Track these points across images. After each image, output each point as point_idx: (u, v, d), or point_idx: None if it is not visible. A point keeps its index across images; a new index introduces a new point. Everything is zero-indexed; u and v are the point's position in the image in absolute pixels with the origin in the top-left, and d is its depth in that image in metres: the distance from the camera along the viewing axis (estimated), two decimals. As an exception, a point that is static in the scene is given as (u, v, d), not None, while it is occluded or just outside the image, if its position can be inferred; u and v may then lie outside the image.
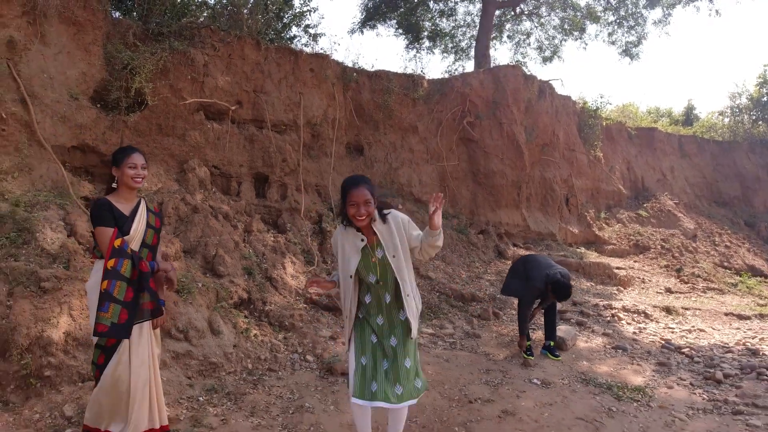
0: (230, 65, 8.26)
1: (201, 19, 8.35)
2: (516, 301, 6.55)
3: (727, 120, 24.65)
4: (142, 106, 7.26)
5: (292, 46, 9.53)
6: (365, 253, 3.00)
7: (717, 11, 16.08)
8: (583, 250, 13.26)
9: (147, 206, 3.11)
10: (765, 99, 22.82)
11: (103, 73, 7.12)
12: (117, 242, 2.81)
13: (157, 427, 3.02)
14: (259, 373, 4.57)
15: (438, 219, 2.84)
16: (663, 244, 15.12)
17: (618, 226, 15.70)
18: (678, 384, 5.64)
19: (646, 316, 8.87)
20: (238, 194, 7.89)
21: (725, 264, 15.49)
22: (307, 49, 9.59)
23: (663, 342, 7.37)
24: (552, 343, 6.00)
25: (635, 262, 14.02)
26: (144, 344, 2.93)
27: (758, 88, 22.97)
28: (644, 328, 8.11)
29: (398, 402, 2.88)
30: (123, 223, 2.92)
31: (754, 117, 23.33)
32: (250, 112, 8.40)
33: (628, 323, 8.33)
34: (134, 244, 2.94)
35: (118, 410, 2.85)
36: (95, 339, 2.86)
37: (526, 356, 5.73)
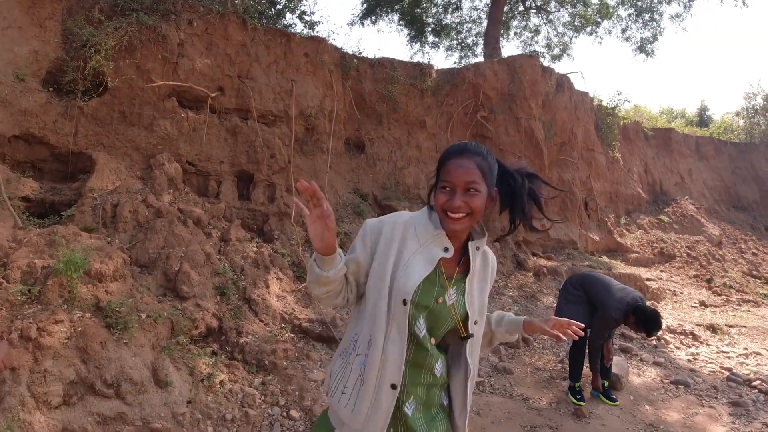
0: (211, 46, 7.04)
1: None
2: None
3: (742, 122, 23.71)
4: (102, 90, 6.07)
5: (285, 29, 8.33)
6: (434, 278, 1.69)
7: (744, 1, 14.73)
8: (606, 259, 12.03)
9: None
10: (781, 99, 21.98)
11: (59, 52, 6.02)
12: None
13: None
14: (225, 440, 3.31)
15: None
16: (689, 252, 14.06)
17: (639, 232, 14.56)
18: (765, 434, 4.44)
19: (695, 337, 7.65)
20: (217, 195, 6.65)
21: (754, 273, 14.55)
22: (301, 33, 8.39)
23: (725, 372, 6.17)
24: (606, 383, 4.76)
25: (662, 272, 12.88)
26: None
27: (774, 88, 22.08)
28: (697, 354, 6.90)
29: None
30: None
31: (769, 118, 22.46)
32: (233, 101, 7.18)
33: (677, 347, 7.13)
34: None
35: None
36: None
37: (576, 402, 4.48)
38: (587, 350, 4.72)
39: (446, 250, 1.69)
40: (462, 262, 1.75)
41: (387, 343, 1.63)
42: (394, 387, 1.62)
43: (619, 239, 13.32)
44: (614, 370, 5.02)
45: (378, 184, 9.18)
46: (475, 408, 4.27)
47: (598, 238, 12.65)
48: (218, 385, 3.64)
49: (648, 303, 9.44)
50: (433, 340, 1.71)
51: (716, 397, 5.25)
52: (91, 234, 4.43)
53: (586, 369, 4.90)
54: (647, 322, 4.34)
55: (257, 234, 6.57)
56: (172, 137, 6.45)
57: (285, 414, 3.66)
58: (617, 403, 4.68)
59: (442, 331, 1.73)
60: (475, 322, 1.73)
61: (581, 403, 4.50)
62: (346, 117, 9.00)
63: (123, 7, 6.46)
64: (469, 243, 1.74)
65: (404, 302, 1.61)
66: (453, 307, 1.69)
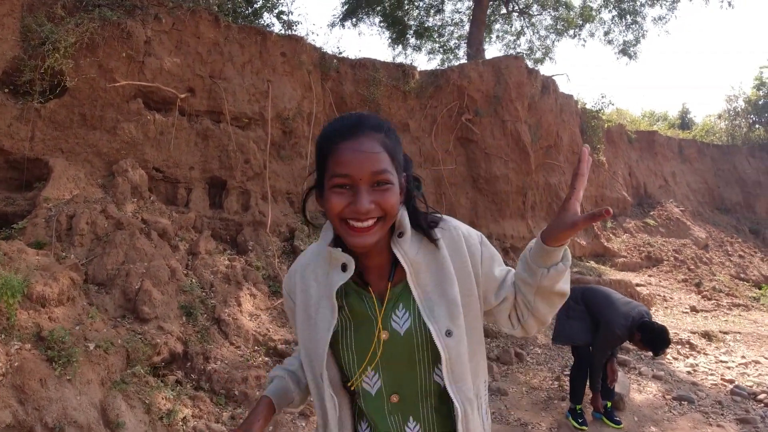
0: (180, 44, 6.61)
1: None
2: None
3: (724, 124, 23.86)
4: (60, 90, 5.61)
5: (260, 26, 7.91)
6: (359, 315, 1.26)
7: (730, 2, 14.64)
8: (594, 264, 11.78)
9: None
10: (762, 102, 22.18)
11: (16, 51, 5.59)
12: None
13: None
14: (186, 488, 2.88)
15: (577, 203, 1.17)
16: (676, 255, 13.96)
17: (626, 236, 14.40)
18: (777, 454, 4.14)
19: (692, 347, 7.41)
20: (186, 204, 6.19)
21: (742, 276, 14.58)
22: (278, 30, 7.99)
23: (727, 384, 5.90)
24: (609, 404, 4.40)
25: (650, 276, 12.71)
26: None
27: (755, 90, 22.25)
28: (696, 365, 6.65)
29: None
30: None
31: (751, 120, 22.64)
32: (204, 102, 6.74)
33: (675, 357, 6.89)
34: None
35: None
36: None
37: (578, 426, 4.13)
38: (590, 375, 4.35)
39: (344, 268, 1.22)
40: (395, 268, 1.25)
41: (324, 414, 1.29)
42: None
43: (606, 244, 13.11)
44: (616, 388, 4.67)
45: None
46: (470, 439, 3.89)
47: (585, 243, 12.40)
48: (180, 423, 3.19)
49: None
50: (395, 397, 1.26)
51: (722, 414, 4.95)
52: (41, 250, 3.96)
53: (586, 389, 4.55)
54: (654, 339, 4.00)
55: (230, 245, 6.12)
56: (138, 142, 5.98)
57: (256, 455, 3.23)
58: (621, 426, 4.32)
59: (408, 374, 1.25)
60: (449, 333, 1.20)
61: (584, 427, 4.14)
62: (326, 119, 8.57)
63: (87, 3, 6.01)
64: (393, 244, 1.24)
65: (321, 377, 1.24)
66: (410, 332, 1.22)
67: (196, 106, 6.66)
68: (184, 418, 3.26)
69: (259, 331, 4.53)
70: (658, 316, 9.43)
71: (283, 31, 8.36)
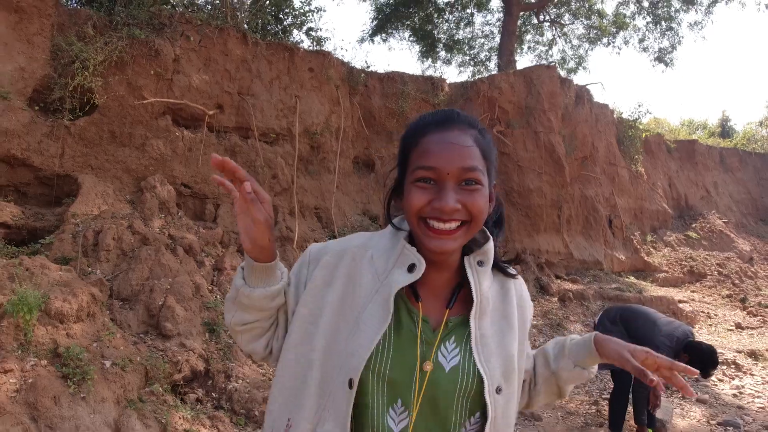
0: (209, 61, 6.67)
1: (173, 5, 6.83)
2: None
3: (765, 131, 23.00)
4: (90, 108, 5.71)
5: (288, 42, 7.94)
6: (406, 336, 1.04)
7: (766, 4, 14.13)
8: (633, 279, 11.34)
9: None
10: (803, 107, 21.34)
11: (47, 69, 5.73)
12: None
13: None
14: None
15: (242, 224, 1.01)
16: (720, 269, 13.35)
17: (667, 250, 13.85)
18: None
19: (737, 367, 7.01)
20: (214, 219, 6.19)
21: None
22: (305, 46, 8.01)
23: (778, 410, 5.50)
24: (650, 431, 4.13)
25: (693, 292, 12.17)
26: None
27: (797, 96, 21.44)
28: (742, 387, 6.27)
29: None
30: None
31: (794, 127, 21.79)
32: (232, 119, 6.78)
33: (720, 379, 6.51)
34: None
35: None
36: None
37: (619, 457, 3.88)
38: (634, 400, 4.10)
39: (411, 268, 1.04)
40: (457, 295, 1.09)
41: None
42: None
43: (646, 258, 12.63)
44: (658, 414, 4.38)
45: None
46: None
47: (624, 258, 11.98)
48: (197, 445, 3.11)
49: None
50: None
51: (774, 442, 4.60)
52: (66, 265, 3.97)
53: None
54: (704, 360, 3.75)
55: (257, 260, 6.09)
56: (166, 158, 6.03)
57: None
58: (664, 455, 4.06)
59: (440, 418, 1.03)
60: (498, 390, 1.04)
61: (625, 457, 3.89)
62: (354, 134, 8.55)
63: (117, 22, 6.12)
64: (465, 259, 1.09)
65: (350, 384, 0.99)
66: (456, 371, 1.02)
67: (225, 123, 6.69)
68: (202, 439, 3.18)
69: (282, 349, 4.47)
70: (702, 335, 8.99)
71: (311, 47, 8.39)
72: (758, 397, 5.97)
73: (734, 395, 5.93)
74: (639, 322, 4.19)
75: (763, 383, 6.60)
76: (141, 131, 5.95)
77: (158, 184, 5.67)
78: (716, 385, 6.23)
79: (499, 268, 1.14)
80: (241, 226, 1.01)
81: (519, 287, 1.17)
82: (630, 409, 4.26)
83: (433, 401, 1.02)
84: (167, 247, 4.77)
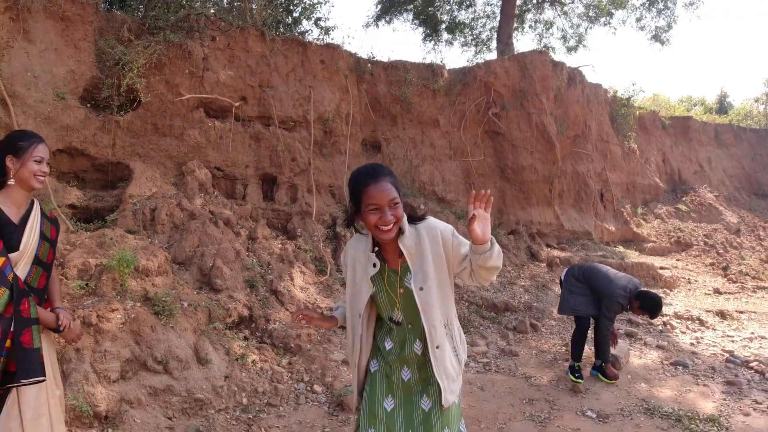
0: (232, 58, 7.56)
1: (201, 11, 7.70)
2: (555, 311, 5.71)
3: (762, 107, 23.42)
4: (135, 104, 6.63)
5: (301, 37, 8.81)
6: (387, 282, 2.14)
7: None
8: (621, 249, 12.27)
9: (41, 210, 2.37)
10: (802, 84, 21.65)
11: (93, 71, 6.53)
12: None
13: None
14: (256, 410, 3.82)
15: (481, 228, 1.89)
16: (706, 240, 14.16)
17: (656, 222, 14.69)
18: (755, 409, 4.76)
19: (701, 322, 7.92)
20: (243, 197, 7.18)
21: None
22: (317, 41, 8.87)
23: (726, 354, 6.45)
24: (603, 364, 5.13)
25: (678, 260, 13.03)
26: (35, 391, 2.17)
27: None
28: (701, 338, 7.19)
29: None
30: (11, 235, 2.17)
31: (790, 103, 22.17)
32: (255, 109, 7.70)
33: (683, 332, 7.42)
34: (23, 264, 2.21)
35: None
36: None
37: (574, 380, 4.88)
38: (596, 339, 5.08)
39: (375, 265, 2.12)
40: (401, 256, 2.11)
41: (354, 334, 2.23)
42: (368, 363, 2.26)
43: (635, 229, 13.50)
44: (613, 351, 5.39)
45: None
46: (479, 384, 4.71)
47: (614, 229, 12.89)
48: (251, 364, 4.16)
49: (660, 291, 9.75)
50: (411, 325, 2.16)
51: (712, 377, 5.56)
52: (135, 235, 4.98)
53: (587, 350, 5.28)
54: (651, 305, 4.77)
55: (281, 232, 7.09)
56: (201, 145, 6.98)
57: (309, 388, 4.17)
58: (614, 381, 5.05)
59: (410, 308, 2.12)
60: (421, 288, 2.07)
61: (579, 380, 4.88)
62: (362, 119, 9.45)
63: (150, 25, 6.98)
64: (398, 240, 2.07)
65: (359, 315, 2.16)
66: (412, 289, 2.11)
67: (249, 113, 7.62)
68: (253, 361, 4.22)
69: (309, 300, 5.49)
70: (679, 297, 9.90)
71: (320, 37, 9.24)
72: (713, 346, 6.89)
73: (691, 344, 6.87)
74: (599, 277, 5.14)
75: (722, 336, 7.51)
76: (179, 123, 6.89)
77: (196, 168, 6.65)
78: (677, 336, 7.19)
79: (411, 221, 2.14)
80: (316, 324, 2.32)
81: (424, 226, 2.13)
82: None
83: (408, 304, 2.13)
84: (210, 220, 5.77)
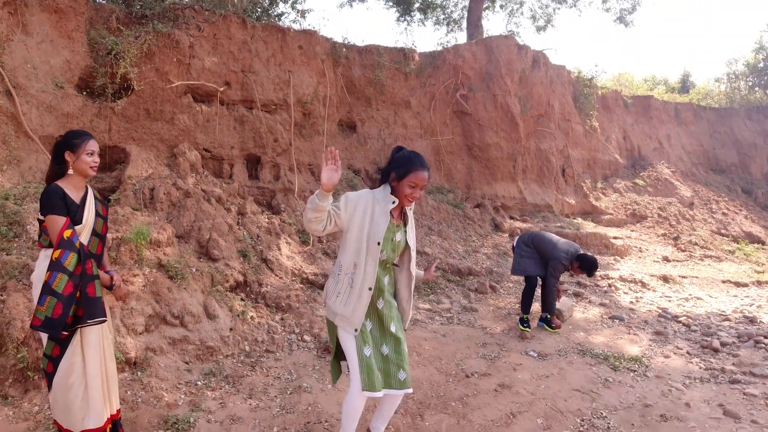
0: (216, 45, 8.11)
1: (187, 2, 8.18)
2: (509, 273, 6.58)
3: (723, 87, 24.42)
4: (128, 91, 7.16)
5: (280, 23, 9.36)
6: (392, 227, 2.85)
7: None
8: (580, 220, 13.25)
9: (94, 194, 3.03)
10: (761, 65, 22.58)
11: (87, 60, 6.97)
12: (67, 233, 2.69)
13: (108, 416, 2.98)
14: (257, 355, 4.59)
15: (327, 176, 2.62)
16: (660, 212, 15.13)
17: (615, 195, 15.67)
18: (675, 353, 5.68)
19: (643, 285, 8.90)
20: (230, 177, 7.83)
21: (722, 231, 15.52)
22: (295, 26, 9.43)
23: (660, 311, 7.40)
24: (549, 316, 6.02)
25: (632, 231, 14.02)
26: (95, 332, 2.87)
27: (755, 54, 22.71)
28: (641, 298, 8.15)
29: (401, 388, 2.84)
30: (75, 212, 2.82)
31: (750, 83, 23.15)
32: (239, 93, 8.29)
33: (625, 293, 8.37)
34: (85, 235, 2.86)
35: (81, 405, 2.79)
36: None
37: (523, 328, 5.75)
38: (543, 295, 5.95)
39: (394, 202, 2.80)
40: (402, 218, 2.95)
41: (366, 265, 2.81)
42: (370, 289, 2.83)
43: (594, 202, 14.47)
44: (558, 306, 6.29)
45: (369, 160, 10.34)
46: (442, 333, 5.57)
47: (574, 202, 13.84)
48: (250, 319, 4.93)
49: (611, 258, 10.73)
50: (388, 265, 2.93)
51: (643, 329, 6.51)
52: (140, 212, 5.63)
53: (536, 305, 6.16)
54: (588, 265, 5.68)
55: (267, 207, 7.77)
56: (190, 129, 7.57)
57: (300, 338, 4.97)
58: (557, 331, 5.95)
59: (396, 255, 2.94)
60: (407, 244, 2.95)
61: (527, 329, 5.76)
62: (339, 101, 10.10)
63: (137, 14, 7.45)
64: (406, 209, 2.94)
65: (378, 243, 2.78)
66: (401, 242, 2.92)
67: (233, 97, 8.21)
68: (252, 317, 4.98)
69: (295, 267, 6.24)
70: (629, 265, 10.90)
71: (297, 19, 9.77)
72: (651, 304, 7.86)
73: (631, 303, 7.84)
74: (545, 243, 5.99)
75: (661, 297, 8.49)
76: (169, 108, 7.45)
77: (187, 150, 7.25)
78: (620, 296, 8.15)
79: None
80: (326, 176, 2.60)
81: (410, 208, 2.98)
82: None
83: (395, 250, 2.91)
84: (203, 198, 6.42)
